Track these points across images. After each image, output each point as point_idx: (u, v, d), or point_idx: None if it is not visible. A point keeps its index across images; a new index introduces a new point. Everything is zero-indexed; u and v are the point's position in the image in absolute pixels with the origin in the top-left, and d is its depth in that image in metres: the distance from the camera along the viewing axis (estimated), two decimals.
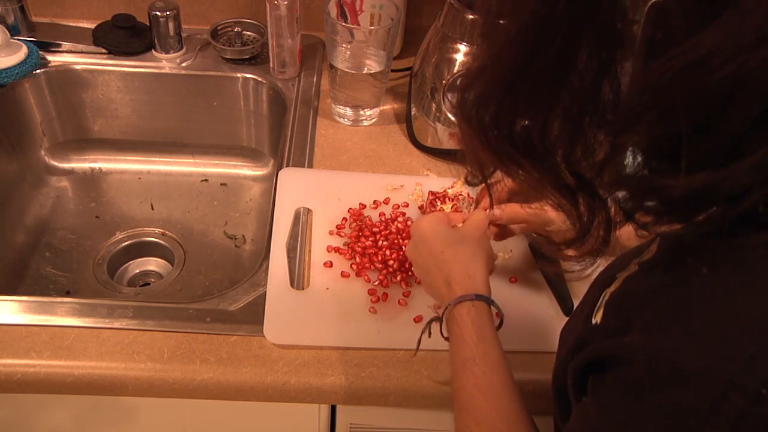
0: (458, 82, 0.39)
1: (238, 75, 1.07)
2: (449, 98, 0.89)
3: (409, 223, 0.84)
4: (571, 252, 0.42)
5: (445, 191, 0.84)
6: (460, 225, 0.69)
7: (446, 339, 0.61)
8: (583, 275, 0.50)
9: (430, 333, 0.65)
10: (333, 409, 0.79)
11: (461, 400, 0.55)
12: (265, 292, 0.75)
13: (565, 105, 0.34)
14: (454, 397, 0.56)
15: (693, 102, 0.30)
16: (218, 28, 1.09)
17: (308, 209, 0.86)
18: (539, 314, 0.76)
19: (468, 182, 0.76)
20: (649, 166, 0.35)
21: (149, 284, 1.04)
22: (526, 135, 0.36)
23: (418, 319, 0.74)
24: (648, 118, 0.32)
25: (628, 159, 0.35)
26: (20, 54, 1.00)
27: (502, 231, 0.75)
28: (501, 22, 0.35)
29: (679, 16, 0.30)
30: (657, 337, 0.34)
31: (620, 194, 0.36)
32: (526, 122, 0.36)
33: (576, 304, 0.75)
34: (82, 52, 1.06)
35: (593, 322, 0.44)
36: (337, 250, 0.81)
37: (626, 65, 0.32)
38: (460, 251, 0.64)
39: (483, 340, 0.57)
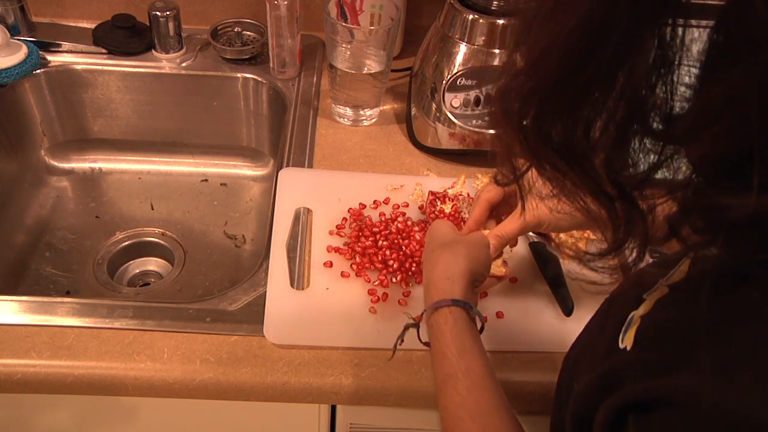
0: (499, 78, 0.37)
1: (238, 75, 1.07)
2: (456, 102, 0.88)
3: (409, 223, 0.84)
4: (602, 263, 0.40)
5: (445, 191, 0.84)
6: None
7: (425, 344, 0.59)
8: (612, 288, 0.48)
9: (402, 339, 0.63)
10: (333, 409, 0.79)
11: (447, 421, 0.52)
12: (265, 292, 0.75)
13: (612, 109, 0.32)
14: (440, 416, 0.53)
15: None
16: (218, 28, 1.09)
17: (308, 209, 0.86)
18: (539, 314, 0.76)
19: (497, 182, 0.74)
20: (707, 181, 0.32)
21: (149, 284, 1.04)
22: (568, 137, 0.34)
23: (418, 319, 0.74)
24: (714, 130, 0.30)
25: (674, 169, 0.33)
26: (20, 54, 1.00)
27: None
28: (553, 18, 0.33)
29: (764, 20, 0.27)
30: (722, 383, 0.31)
31: (666, 208, 0.34)
32: (569, 123, 0.34)
33: (575, 304, 0.75)
34: (82, 52, 1.06)
35: (621, 346, 0.41)
36: (337, 250, 0.81)
37: (682, 71, 0.31)
38: (445, 252, 0.62)
39: (464, 353, 0.54)
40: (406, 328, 0.63)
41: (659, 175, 0.34)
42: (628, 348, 0.40)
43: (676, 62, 0.31)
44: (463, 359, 0.54)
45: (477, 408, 0.52)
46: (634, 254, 0.37)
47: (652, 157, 0.33)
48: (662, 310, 0.40)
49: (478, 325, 0.59)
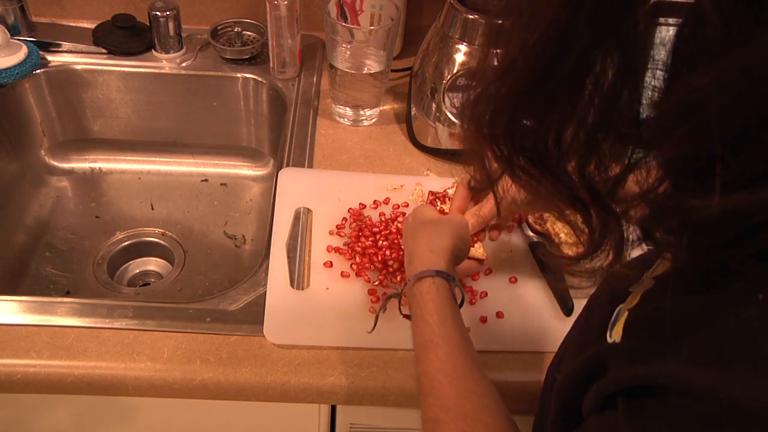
0: (469, 87, 0.38)
1: (238, 75, 1.07)
2: (456, 102, 0.89)
3: None
4: (579, 267, 0.41)
5: (445, 191, 0.84)
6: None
7: (405, 317, 0.61)
8: (591, 291, 0.49)
9: (385, 308, 0.66)
10: (333, 409, 0.79)
11: (426, 386, 0.54)
12: (265, 292, 0.75)
13: (581, 115, 0.33)
14: (418, 381, 0.55)
15: (728, 118, 0.28)
16: (218, 28, 1.09)
17: (308, 209, 0.86)
18: (539, 314, 0.76)
19: (471, 188, 0.76)
20: (675, 184, 0.33)
21: (149, 284, 1.04)
22: (540, 144, 0.35)
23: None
24: (678, 134, 0.30)
25: (646, 172, 0.33)
26: (20, 54, 1.00)
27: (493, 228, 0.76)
28: (518, 27, 0.33)
29: (718, 27, 0.28)
30: (714, 370, 0.32)
31: (637, 211, 0.35)
32: (540, 131, 0.35)
33: (575, 304, 0.75)
34: (82, 52, 1.06)
35: (610, 340, 0.41)
36: (337, 250, 0.81)
37: (648, 77, 0.31)
38: (429, 228, 0.64)
39: (445, 321, 0.56)
40: (388, 298, 0.65)
41: (631, 178, 0.34)
42: (617, 341, 0.40)
43: (642, 67, 0.31)
44: (444, 327, 0.56)
45: (455, 372, 0.53)
46: (611, 257, 0.37)
47: (623, 161, 0.34)
48: (650, 302, 0.40)
49: (458, 298, 0.61)
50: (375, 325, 0.68)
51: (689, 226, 0.33)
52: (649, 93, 0.32)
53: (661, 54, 0.31)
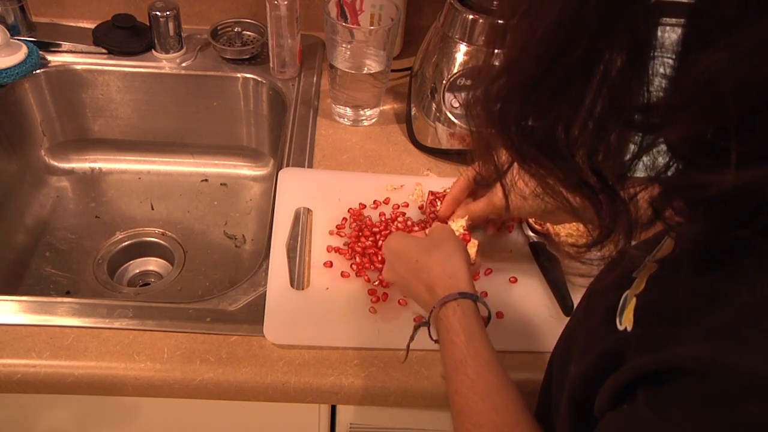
0: (475, 85, 0.38)
1: (238, 75, 1.07)
2: (456, 102, 0.89)
3: (409, 223, 0.84)
4: (591, 255, 0.41)
5: (445, 191, 0.84)
6: (426, 233, 0.70)
7: (436, 342, 0.61)
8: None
9: (413, 338, 0.66)
10: (333, 409, 0.79)
11: (458, 404, 0.55)
12: (265, 292, 0.75)
13: (590, 104, 0.33)
14: (450, 401, 0.56)
15: (743, 92, 0.29)
16: (218, 28, 1.09)
17: (308, 209, 0.86)
18: (539, 314, 0.76)
19: (477, 182, 0.76)
20: (687, 161, 0.33)
21: (149, 284, 1.04)
22: (550, 134, 0.35)
23: (418, 320, 0.74)
24: (692, 111, 0.31)
25: (654, 156, 0.34)
26: (20, 54, 1.00)
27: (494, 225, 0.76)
28: (524, 23, 0.34)
29: (733, 5, 0.29)
30: (731, 345, 0.32)
31: (646, 195, 0.35)
32: (550, 120, 0.35)
33: (575, 303, 0.75)
34: (82, 52, 1.06)
35: (621, 328, 0.41)
36: (337, 250, 0.81)
37: (656, 63, 0.32)
38: (434, 254, 0.64)
39: (472, 340, 0.57)
40: (417, 327, 0.66)
41: (639, 163, 0.35)
42: (629, 328, 0.40)
43: (650, 55, 0.31)
44: (472, 346, 0.57)
45: (486, 389, 0.54)
46: (620, 243, 0.37)
47: (632, 147, 0.34)
48: (658, 286, 0.40)
49: (485, 312, 0.62)
50: (407, 355, 0.69)
51: (701, 204, 0.33)
52: (658, 80, 0.32)
53: (668, 42, 0.31)
